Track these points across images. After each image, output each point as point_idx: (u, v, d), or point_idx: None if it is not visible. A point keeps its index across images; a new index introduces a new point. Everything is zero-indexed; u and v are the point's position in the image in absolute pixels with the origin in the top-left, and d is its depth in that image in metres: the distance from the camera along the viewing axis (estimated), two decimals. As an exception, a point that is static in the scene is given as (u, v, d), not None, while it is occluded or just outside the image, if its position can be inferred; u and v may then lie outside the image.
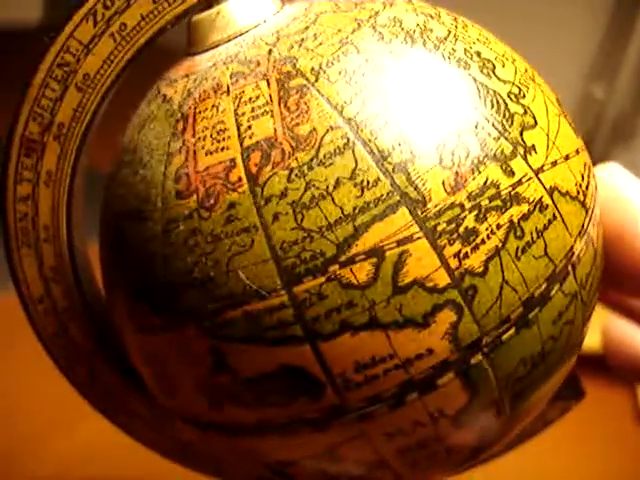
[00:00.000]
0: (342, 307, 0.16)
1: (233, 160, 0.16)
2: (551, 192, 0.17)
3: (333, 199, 0.16)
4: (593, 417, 0.38)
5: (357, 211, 0.16)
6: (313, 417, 0.17)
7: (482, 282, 0.16)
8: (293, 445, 0.18)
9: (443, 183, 0.16)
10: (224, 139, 0.17)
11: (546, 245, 0.17)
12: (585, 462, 0.37)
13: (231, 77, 0.18)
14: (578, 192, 0.18)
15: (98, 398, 0.24)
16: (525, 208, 0.16)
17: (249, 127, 0.17)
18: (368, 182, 0.16)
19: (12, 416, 0.38)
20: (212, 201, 0.16)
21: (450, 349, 0.16)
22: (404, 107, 0.16)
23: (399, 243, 0.16)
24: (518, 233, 0.16)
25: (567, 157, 0.18)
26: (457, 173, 0.16)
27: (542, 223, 0.17)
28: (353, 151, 0.16)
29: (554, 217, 0.17)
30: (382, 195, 0.16)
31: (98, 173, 0.22)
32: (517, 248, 0.16)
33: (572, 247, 0.17)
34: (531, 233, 0.16)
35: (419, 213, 0.16)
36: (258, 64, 0.18)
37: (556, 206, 0.17)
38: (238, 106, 0.17)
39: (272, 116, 0.16)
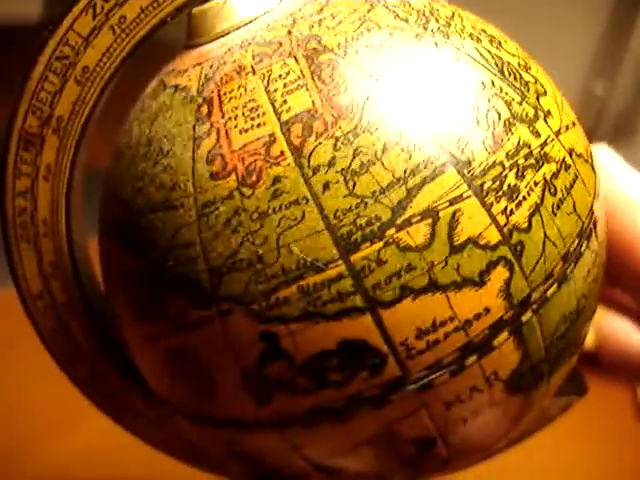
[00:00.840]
0: (402, 271, 0.16)
1: (272, 135, 0.16)
2: (570, 153, 0.18)
3: (383, 164, 0.16)
4: (593, 413, 0.38)
5: (408, 174, 0.16)
6: (372, 394, 0.16)
7: (528, 238, 0.16)
8: (347, 430, 0.17)
9: (483, 143, 0.16)
10: (258, 116, 0.17)
11: (574, 202, 0.17)
12: (585, 458, 0.37)
13: (253, 58, 0.18)
14: (588, 155, 0.19)
15: (98, 395, 0.24)
16: (554, 167, 0.17)
17: (284, 102, 0.17)
18: (415, 145, 0.16)
19: (11, 416, 0.38)
20: (254, 178, 0.16)
21: (505, 307, 0.16)
22: (435, 74, 0.17)
23: (451, 202, 0.16)
24: (552, 190, 0.17)
25: (574, 123, 0.19)
26: (493, 134, 0.17)
27: (568, 181, 0.17)
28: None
29: (576, 176, 0.18)
30: (430, 157, 0.16)
31: (97, 169, 0.22)
32: (552, 204, 0.17)
33: (592, 206, 0.18)
34: (561, 190, 0.17)
35: (466, 172, 0.16)
36: (280, 44, 0.18)
37: (575, 166, 0.18)
38: (268, 84, 0.17)
39: (307, 89, 0.17)
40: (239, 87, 0.17)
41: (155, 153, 0.17)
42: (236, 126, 0.17)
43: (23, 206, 0.21)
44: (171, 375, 0.18)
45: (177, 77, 0.19)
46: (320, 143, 0.16)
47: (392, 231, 0.16)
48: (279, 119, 0.16)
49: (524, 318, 0.17)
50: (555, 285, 0.17)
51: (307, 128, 0.16)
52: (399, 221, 0.16)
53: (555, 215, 0.17)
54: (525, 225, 0.16)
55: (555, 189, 0.17)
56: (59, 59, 0.20)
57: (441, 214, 0.16)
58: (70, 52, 0.20)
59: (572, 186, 0.18)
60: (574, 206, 0.18)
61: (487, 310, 0.16)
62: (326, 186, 0.16)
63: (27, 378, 0.40)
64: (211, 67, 0.18)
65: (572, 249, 0.17)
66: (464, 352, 0.16)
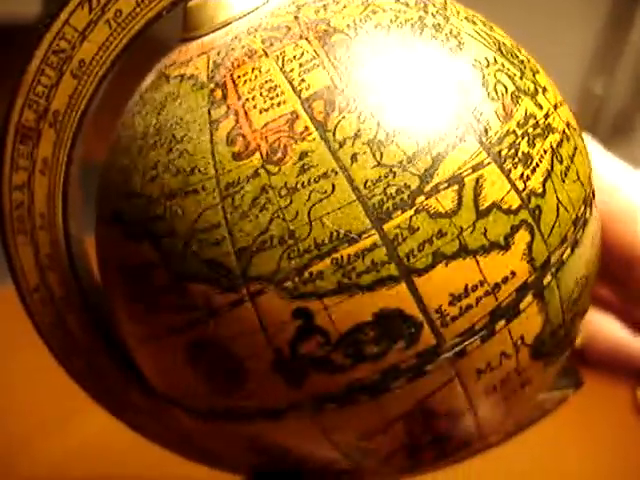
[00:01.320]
0: (433, 237, 0.16)
1: (294, 112, 0.17)
2: (567, 125, 0.19)
3: (407, 134, 0.16)
4: (592, 412, 0.38)
5: (431, 143, 0.16)
6: (408, 366, 0.17)
7: (543, 202, 0.17)
8: (382, 407, 0.17)
9: (496, 113, 0.17)
10: (277, 95, 0.17)
11: (577, 170, 0.18)
12: (585, 457, 0.37)
13: (263, 42, 0.18)
14: (580, 130, 0.20)
15: (96, 388, 0.24)
16: (557, 137, 0.18)
17: (302, 80, 0.17)
18: (435, 116, 0.17)
19: (6, 416, 0.38)
20: (280, 154, 0.16)
21: (529, 270, 0.17)
22: (444, 51, 0.18)
23: (474, 169, 0.16)
24: (558, 158, 0.18)
25: (562, 102, 0.20)
26: (503, 104, 0.17)
27: (571, 151, 0.18)
28: None
29: (575, 147, 0.19)
30: (450, 126, 0.17)
31: (93, 164, 0.22)
32: (561, 172, 0.18)
33: (589, 175, 0.19)
34: (566, 159, 0.18)
35: (484, 141, 0.17)
36: (289, 29, 0.18)
37: (574, 138, 0.19)
38: (283, 65, 0.17)
39: (324, 67, 0.17)
40: (253, 70, 0.17)
41: (167, 141, 0.17)
42: (255, 106, 0.17)
43: (20, 199, 0.21)
44: (193, 369, 0.18)
45: (180, 68, 0.19)
46: (344, 117, 0.16)
47: (422, 198, 0.16)
48: (299, 97, 0.17)
49: (545, 281, 0.17)
50: (569, 249, 0.18)
51: (329, 104, 0.17)
52: (427, 188, 0.16)
53: (564, 182, 0.18)
54: (540, 190, 0.17)
55: (561, 157, 0.18)
56: (55, 53, 0.20)
57: (466, 180, 0.16)
58: (66, 46, 0.20)
59: (574, 155, 0.18)
60: (577, 174, 0.18)
61: (513, 274, 0.17)
62: (354, 158, 0.16)
63: (22, 377, 0.40)
64: (218, 54, 0.18)
65: (580, 214, 0.18)
66: (494, 317, 0.17)
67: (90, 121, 0.21)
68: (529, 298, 0.17)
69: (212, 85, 0.18)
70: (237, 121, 0.17)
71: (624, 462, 0.37)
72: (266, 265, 0.16)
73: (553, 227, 0.17)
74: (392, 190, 0.16)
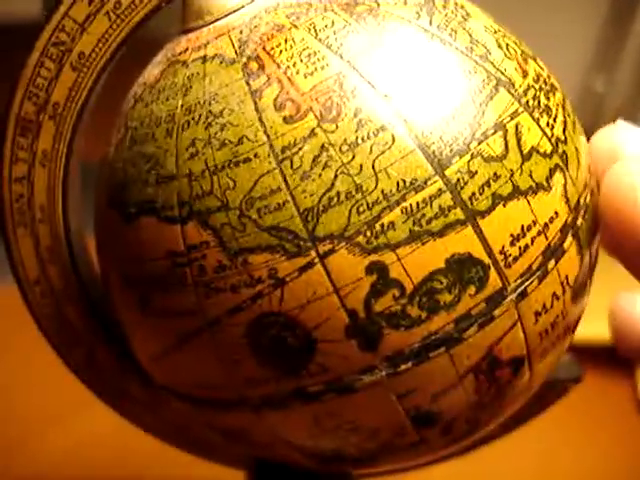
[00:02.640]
0: (490, 180, 0.17)
1: (340, 73, 0.17)
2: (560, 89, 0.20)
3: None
4: (594, 409, 0.38)
5: (474, 93, 0.18)
6: (478, 311, 0.17)
7: (567, 148, 0.19)
8: (456, 360, 0.17)
9: (516, 69, 0.18)
10: (319, 60, 0.17)
11: (578, 124, 0.20)
12: (585, 453, 0.37)
13: (288, 17, 0.18)
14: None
15: (95, 381, 0.24)
16: (561, 94, 0.20)
17: (341, 45, 0.18)
18: (470, 71, 0.18)
19: (2, 415, 0.38)
20: (334, 113, 0.17)
21: (567, 210, 0.18)
22: (458, 16, 0.19)
23: (511, 117, 0.18)
24: (567, 112, 0.19)
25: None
26: (519, 62, 0.19)
27: (571, 108, 0.20)
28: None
29: (571, 106, 0.20)
30: (484, 79, 0.18)
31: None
32: (572, 123, 0.19)
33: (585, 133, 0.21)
34: (572, 113, 0.20)
35: (513, 92, 0.18)
36: (310, 5, 0.18)
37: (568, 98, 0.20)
38: (317, 34, 0.18)
39: (359, 33, 0.18)
40: (286, 41, 0.18)
41: (203, 117, 0.17)
42: (298, 72, 0.17)
43: (20, 192, 0.21)
44: (252, 352, 0.17)
45: (197, 52, 0.19)
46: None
47: (475, 144, 0.17)
48: (342, 58, 0.17)
49: (578, 222, 0.19)
50: (589, 194, 0.19)
51: (373, 62, 0.17)
52: (477, 135, 0.17)
53: (574, 132, 0.19)
54: (563, 138, 0.19)
55: (568, 112, 0.19)
56: (55, 45, 0.20)
57: (507, 127, 0.17)
58: (66, 38, 0.20)
59: (573, 112, 0.20)
60: (580, 128, 0.20)
61: (556, 214, 0.18)
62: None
63: (20, 375, 0.40)
64: (241, 32, 0.18)
65: (589, 164, 0.20)
66: (545, 256, 0.18)
67: (90, 113, 0.21)
68: (570, 238, 0.18)
69: (244, 59, 0.18)
70: (282, 87, 0.17)
71: (626, 462, 0.37)
72: (335, 222, 0.16)
73: (577, 172, 0.19)
74: (447, 137, 0.17)
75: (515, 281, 0.17)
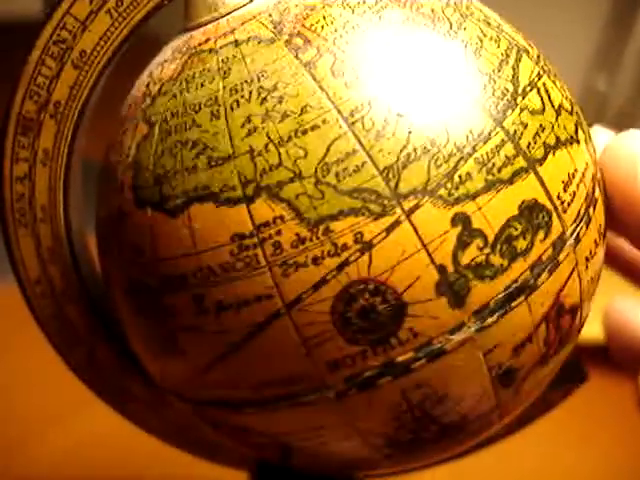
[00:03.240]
0: (538, 131, 0.18)
1: (389, 42, 0.18)
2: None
3: (487, 50, 0.18)
4: (593, 407, 0.37)
5: (505, 55, 0.19)
6: (547, 257, 0.18)
7: (578, 109, 0.20)
8: (534, 307, 0.18)
9: (524, 39, 0.20)
10: (364, 31, 0.18)
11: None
12: (585, 453, 0.37)
13: None
14: None
15: (96, 382, 0.24)
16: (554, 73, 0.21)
17: (380, 17, 0.18)
18: (495, 39, 0.19)
19: (2, 415, 0.38)
20: None
21: (593, 162, 0.20)
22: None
23: (539, 77, 0.19)
24: (563, 86, 0.20)
25: None
26: (525, 39, 0.20)
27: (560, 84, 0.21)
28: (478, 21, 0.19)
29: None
30: (508, 46, 0.19)
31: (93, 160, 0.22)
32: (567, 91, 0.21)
33: None
34: (564, 87, 0.21)
35: (531, 58, 0.19)
36: None
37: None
38: (353, 11, 0.18)
39: (394, 8, 0.19)
40: (324, 17, 0.18)
41: (255, 94, 0.17)
42: (347, 43, 0.18)
43: (21, 192, 0.21)
44: (340, 327, 0.17)
45: (224, 38, 0.18)
46: None
47: (520, 99, 0.18)
48: (384, 30, 0.18)
49: (598, 176, 0.20)
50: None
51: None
52: (520, 91, 0.18)
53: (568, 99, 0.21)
54: (573, 99, 0.20)
55: (562, 85, 0.20)
56: (56, 43, 0.20)
57: (538, 85, 0.19)
58: (67, 36, 0.20)
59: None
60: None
61: (587, 164, 0.19)
62: None
63: (21, 375, 0.40)
64: (270, 16, 0.18)
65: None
66: (587, 203, 0.19)
67: (91, 112, 0.21)
68: (597, 189, 0.20)
69: (284, 37, 0.18)
70: (335, 57, 0.17)
71: (627, 462, 0.37)
72: (416, 178, 0.17)
73: (587, 130, 0.20)
74: (498, 93, 0.18)
75: (571, 225, 0.18)
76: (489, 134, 0.17)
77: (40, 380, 0.38)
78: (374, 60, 0.17)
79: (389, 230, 0.16)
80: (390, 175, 0.16)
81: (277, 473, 0.24)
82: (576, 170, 0.18)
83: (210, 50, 0.18)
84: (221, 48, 0.18)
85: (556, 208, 0.18)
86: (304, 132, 0.17)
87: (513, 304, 0.17)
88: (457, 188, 0.17)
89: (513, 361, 0.18)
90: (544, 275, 0.18)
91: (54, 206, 0.22)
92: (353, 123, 0.17)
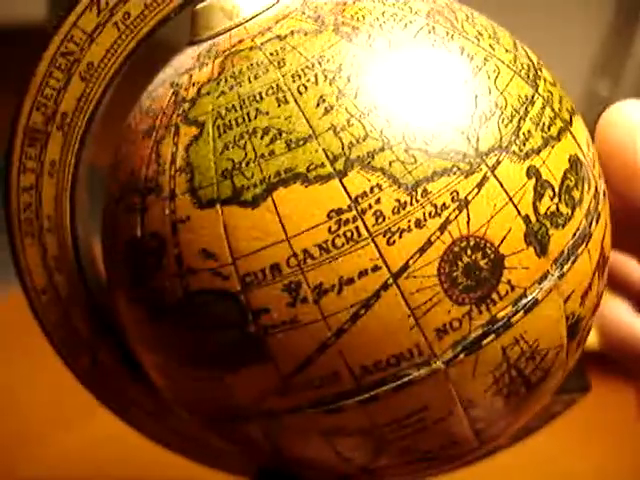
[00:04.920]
0: (560, 99, 0.20)
1: (429, 24, 0.19)
2: None
3: (499, 41, 0.20)
4: (593, 410, 0.37)
5: (513, 38, 0.20)
6: (591, 207, 0.19)
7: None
8: (590, 255, 0.19)
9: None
10: (405, 15, 0.19)
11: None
12: (585, 456, 0.37)
13: None
14: None
15: (100, 389, 0.24)
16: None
17: (410, 8, 0.19)
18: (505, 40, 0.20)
19: (6, 417, 0.38)
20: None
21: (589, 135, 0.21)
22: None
23: (538, 59, 0.21)
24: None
25: None
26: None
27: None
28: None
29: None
30: (509, 35, 0.20)
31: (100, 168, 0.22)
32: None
33: None
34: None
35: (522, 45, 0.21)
36: None
37: None
38: (384, 3, 0.19)
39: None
40: (361, 9, 0.19)
41: (321, 76, 0.18)
42: (393, 28, 0.19)
43: (28, 202, 0.21)
44: (447, 291, 0.17)
45: (263, 36, 0.19)
46: (468, 18, 0.20)
47: (539, 72, 0.20)
48: (421, 15, 0.19)
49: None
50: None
51: (450, 13, 0.19)
52: (536, 66, 0.20)
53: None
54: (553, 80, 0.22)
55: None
56: (64, 55, 0.20)
57: (541, 63, 0.21)
58: (75, 48, 0.20)
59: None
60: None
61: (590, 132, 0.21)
62: (492, 46, 0.19)
63: (27, 376, 0.40)
64: (304, 13, 0.19)
65: None
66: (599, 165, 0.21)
67: (98, 124, 0.21)
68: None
69: (331, 27, 0.18)
70: (389, 38, 0.18)
71: (627, 466, 0.37)
72: (492, 136, 0.18)
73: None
74: (525, 66, 0.19)
75: (599, 180, 0.20)
76: (532, 98, 0.19)
77: (45, 382, 0.38)
78: None
79: (480, 186, 0.17)
80: (470, 136, 0.17)
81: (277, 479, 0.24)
82: (588, 136, 0.20)
83: (251, 48, 0.19)
84: (263, 44, 0.18)
85: (588, 164, 0.19)
86: None
87: (579, 251, 0.19)
88: (524, 144, 0.18)
89: (581, 309, 0.19)
90: (594, 224, 0.19)
91: (60, 216, 0.22)
92: None
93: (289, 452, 0.20)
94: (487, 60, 0.19)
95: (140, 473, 0.35)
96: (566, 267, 0.18)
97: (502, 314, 0.18)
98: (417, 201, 0.17)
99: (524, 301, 0.18)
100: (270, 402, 0.18)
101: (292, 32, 0.19)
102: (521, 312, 0.18)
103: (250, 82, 0.18)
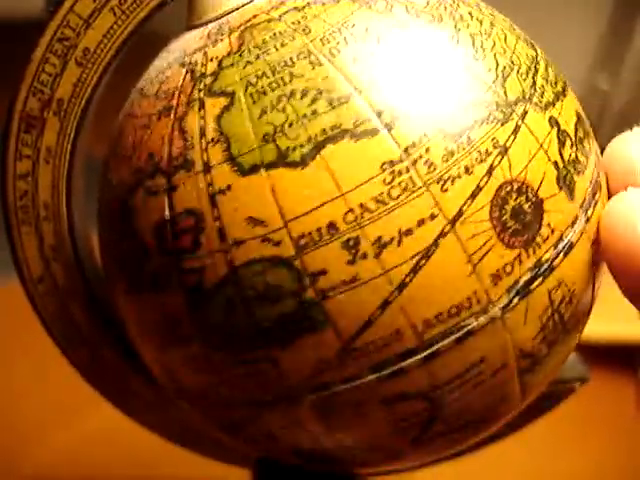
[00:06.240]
0: (558, 72, 0.20)
1: None
2: None
3: (506, 36, 0.20)
4: (592, 407, 0.37)
5: (515, 43, 0.20)
6: (600, 159, 0.20)
7: None
8: (601, 203, 0.20)
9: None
10: None
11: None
12: (584, 453, 0.37)
13: None
14: None
15: (98, 379, 0.24)
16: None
17: None
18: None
19: (6, 414, 0.38)
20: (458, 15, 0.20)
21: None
22: None
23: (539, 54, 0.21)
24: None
25: None
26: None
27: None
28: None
29: None
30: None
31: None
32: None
33: None
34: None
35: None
36: None
37: None
38: None
39: None
40: None
41: (350, 38, 0.18)
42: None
43: (24, 189, 0.21)
44: (499, 234, 0.18)
45: (278, 9, 0.19)
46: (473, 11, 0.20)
47: (535, 46, 0.21)
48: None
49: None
50: None
51: None
52: (530, 40, 0.20)
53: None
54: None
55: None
56: (60, 41, 0.20)
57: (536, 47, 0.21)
58: (71, 34, 0.20)
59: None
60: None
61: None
62: (510, 29, 0.20)
63: (23, 376, 0.40)
64: None
65: None
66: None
67: (94, 110, 0.21)
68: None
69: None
70: (406, 4, 0.19)
71: (625, 462, 0.37)
72: (516, 88, 0.18)
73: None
74: (520, 33, 0.20)
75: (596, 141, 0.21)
76: (537, 59, 0.20)
77: (44, 379, 0.38)
78: None
79: (515, 133, 0.18)
80: (497, 87, 0.18)
81: (278, 470, 0.24)
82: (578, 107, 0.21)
83: (269, 20, 0.18)
84: (281, 16, 0.18)
85: (588, 120, 0.20)
86: None
87: (596, 197, 0.19)
88: (542, 96, 0.19)
89: (599, 256, 0.20)
90: (602, 175, 0.20)
91: (57, 204, 0.22)
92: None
93: (335, 434, 0.19)
94: (493, 25, 0.20)
95: (140, 472, 0.35)
96: (589, 212, 0.19)
97: (546, 256, 0.18)
98: (464, 149, 0.17)
99: (562, 244, 0.18)
100: (326, 375, 0.17)
101: (308, 3, 0.19)
102: (561, 255, 0.18)
103: (277, 50, 0.18)
